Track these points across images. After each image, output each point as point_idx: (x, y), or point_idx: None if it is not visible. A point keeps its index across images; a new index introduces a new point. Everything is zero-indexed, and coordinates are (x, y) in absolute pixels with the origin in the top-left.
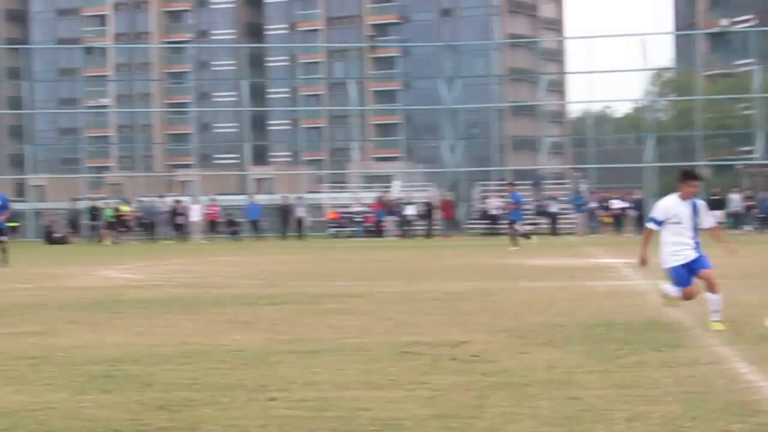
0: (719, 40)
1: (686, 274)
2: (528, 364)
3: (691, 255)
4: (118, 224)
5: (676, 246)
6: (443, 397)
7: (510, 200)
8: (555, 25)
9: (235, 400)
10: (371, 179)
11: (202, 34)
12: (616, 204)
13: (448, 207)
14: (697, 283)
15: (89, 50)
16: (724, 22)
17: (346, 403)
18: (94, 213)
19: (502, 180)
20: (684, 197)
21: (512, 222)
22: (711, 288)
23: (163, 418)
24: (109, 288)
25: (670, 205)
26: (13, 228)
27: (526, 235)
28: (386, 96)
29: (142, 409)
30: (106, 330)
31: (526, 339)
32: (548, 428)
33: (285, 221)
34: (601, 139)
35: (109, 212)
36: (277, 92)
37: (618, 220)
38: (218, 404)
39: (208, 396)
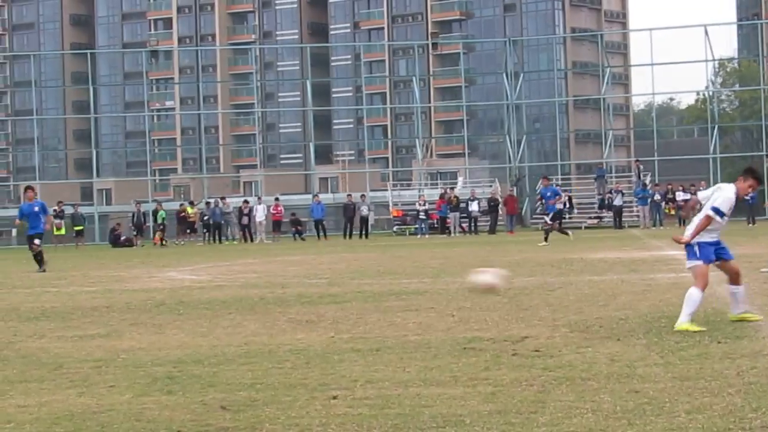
0: None
1: (712, 251)
2: (590, 358)
3: (715, 238)
4: (184, 225)
5: (710, 231)
6: (504, 392)
7: (548, 195)
8: (619, 18)
9: (297, 399)
10: (436, 176)
11: (266, 35)
12: (681, 196)
13: (512, 202)
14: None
15: (154, 53)
16: None
17: (407, 400)
18: (175, 215)
19: (544, 176)
20: (740, 193)
21: (553, 215)
22: (737, 279)
23: (225, 418)
24: (173, 289)
25: (734, 201)
26: (78, 232)
27: (546, 235)
28: (450, 92)
29: (204, 410)
30: (170, 331)
31: (588, 333)
32: (609, 422)
33: (349, 220)
34: (665, 131)
35: (161, 215)
36: (341, 91)
37: None
38: (280, 403)
39: (270, 395)
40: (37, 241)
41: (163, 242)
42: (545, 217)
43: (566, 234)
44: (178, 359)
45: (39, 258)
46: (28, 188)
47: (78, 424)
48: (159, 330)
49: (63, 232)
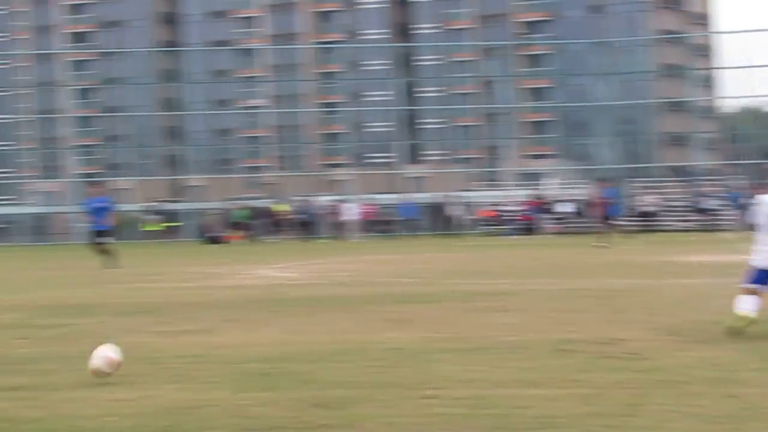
0: None
1: None
2: (685, 362)
3: None
4: (275, 223)
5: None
6: (600, 395)
7: (603, 196)
8: (704, 20)
9: (393, 398)
10: (524, 177)
11: (353, 34)
12: None
13: (600, 205)
14: None
15: (242, 52)
16: None
17: (502, 401)
18: (262, 213)
19: (602, 178)
20: None
21: (608, 218)
22: None
23: (322, 415)
24: (266, 286)
25: None
26: (171, 228)
27: (610, 238)
28: (537, 93)
29: (302, 407)
30: (264, 328)
31: (682, 336)
32: (709, 426)
33: (438, 220)
34: (756, 134)
35: (239, 213)
36: (428, 91)
37: None
38: (376, 402)
39: (366, 393)
40: (102, 238)
41: (241, 240)
42: (610, 219)
43: (610, 239)
44: (273, 356)
45: (108, 254)
46: (94, 183)
47: (177, 418)
48: (253, 327)
49: (155, 228)
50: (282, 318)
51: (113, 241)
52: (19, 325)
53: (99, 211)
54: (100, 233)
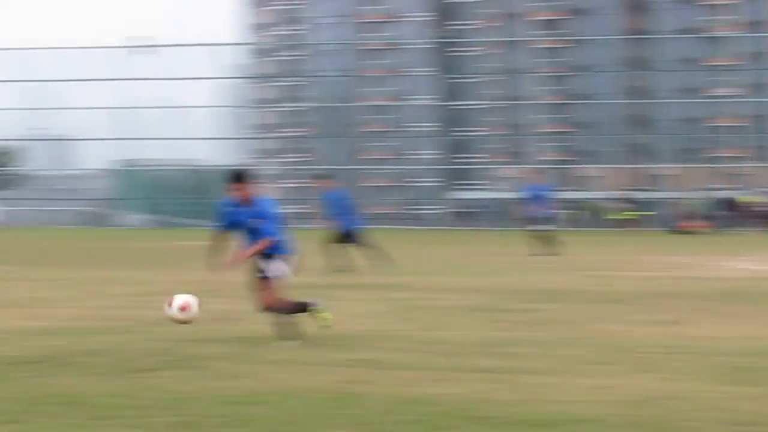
0: None
1: None
2: None
3: None
4: (743, 215)
5: None
6: None
7: None
8: None
9: None
10: None
11: None
12: None
13: None
14: None
15: (712, 39)
16: None
17: None
18: (729, 204)
19: None
20: None
21: None
22: None
23: None
24: (740, 279)
25: None
26: (637, 217)
27: None
28: None
29: None
30: (740, 321)
31: None
32: None
33: None
34: None
35: (705, 203)
36: None
37: None
38: None
39: None
40: (541, 226)
41: (707, 230)
42: None
43: None
44: (753, 351)
45: (547, 241)
46: (529, 171)
47: (652, 409)
48: (728, 320)
49: (622, 217)
50: (761, 312)
51: (554, 229)
52: (490, 308)
53: (538, 199)
54: (538, 220)
